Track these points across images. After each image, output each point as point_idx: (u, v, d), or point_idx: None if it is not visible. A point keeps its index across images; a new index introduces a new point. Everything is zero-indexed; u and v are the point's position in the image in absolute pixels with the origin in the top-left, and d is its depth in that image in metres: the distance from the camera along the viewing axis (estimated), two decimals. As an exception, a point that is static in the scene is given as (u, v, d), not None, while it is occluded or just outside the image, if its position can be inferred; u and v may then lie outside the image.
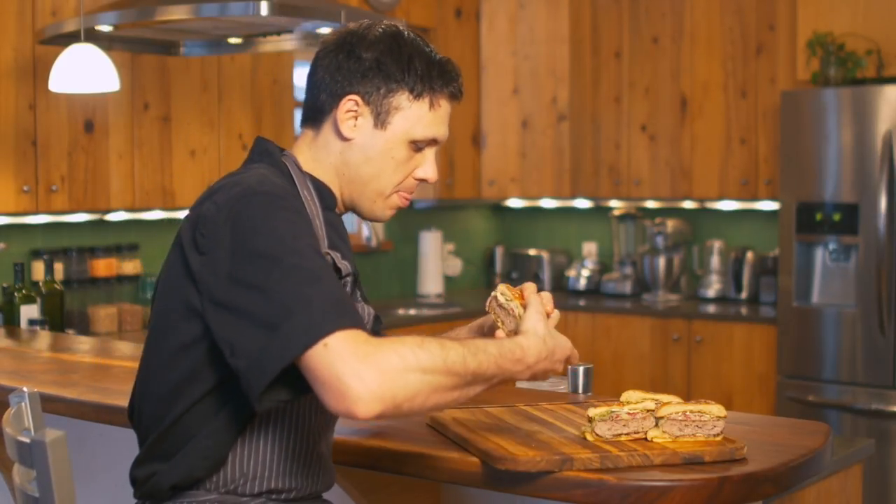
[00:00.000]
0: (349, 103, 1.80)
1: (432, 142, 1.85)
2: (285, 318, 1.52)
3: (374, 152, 1.81)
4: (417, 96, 1.81)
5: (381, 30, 1.83)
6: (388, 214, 1.88)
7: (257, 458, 1.76)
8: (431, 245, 5.76)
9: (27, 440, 1.67)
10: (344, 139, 1.81)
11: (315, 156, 1.85)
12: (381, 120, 1.80)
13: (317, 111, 1.84)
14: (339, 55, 1.81)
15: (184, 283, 1.69)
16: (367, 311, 1.87)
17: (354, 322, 1.53)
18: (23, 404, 1.70)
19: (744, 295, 5.39)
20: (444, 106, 1.84)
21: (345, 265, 1.80)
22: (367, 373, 1.47)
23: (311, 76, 1.86)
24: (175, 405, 1.73)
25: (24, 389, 1.71)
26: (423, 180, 1.87)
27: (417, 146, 1.83)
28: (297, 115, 5.52)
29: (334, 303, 1.54)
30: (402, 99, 1.80)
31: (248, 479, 1.76)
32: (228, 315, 1.59)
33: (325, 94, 1.82)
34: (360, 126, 1.81)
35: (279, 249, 1.58)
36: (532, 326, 1.76)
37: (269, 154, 1.85)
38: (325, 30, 3.66)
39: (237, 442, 1.74)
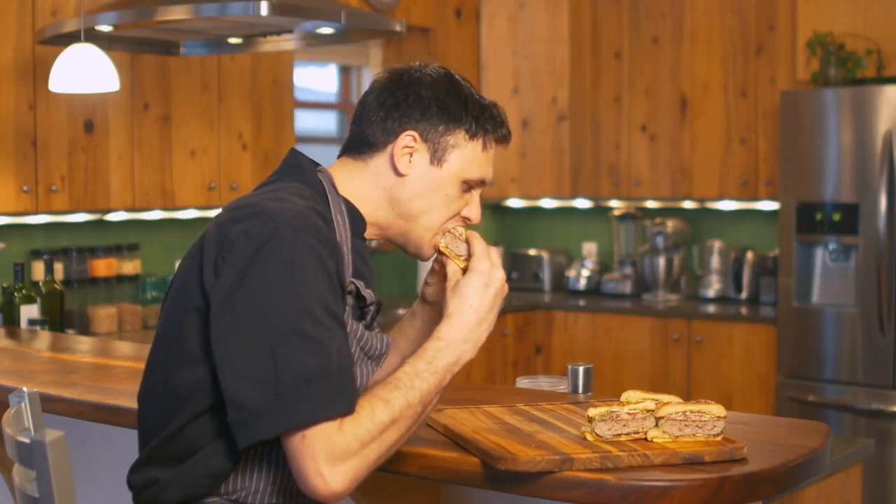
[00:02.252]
0: (407, 139, 1.81)
1: (481, 183, 1.87)
2: (278, 392, 1.59)
3: (426, 189, 1.83)
4: (473, 136, 1.83)
5: (435, 71, 1.86)
6: (432, 252, 1.89)
7: (259, 474, 1.77)
8: (431, 245, 5.76)
9: (27, 440, 1.67)
10: (399, 174, 1.82)
11: (358, 184, 1.85)
12: (437, 157, 1.82)
13: (365, 143, 1.84)
14: (396, 92, 1.83)
15: (197, 297, 1.70)
16: (384, 342, 1.88)
17: (342, 406, 1.60)
18: (23, 404, 1.70)
19: (744, 295, 5.39)
20: (494, 149, 1.88)
21: (369, 294, 1.81)
22: (330, 474, 1.58)
23: (362, 110, 1.86)
24: (177, 415, 1.74)
25: (24, 390, 1.71)
26: (466, 219, 1.89)
27: (468, 186, 1.85)
28: (298, 115, 5.50)
29: (330, 383, 1.60)
30: (460, 138, 1.83)
31: (251, 493, 1.78)
32: (227, 361, 1.63)
33: (379, 130, 1.83)
34: (416, 162, 1.82)
35: (293, 312, 1.61)
36: (457, 301, 1.77)
37: (301, 170, 1.85)
38: (325, 30, 3.67)
39: (240, 459, 1.74)
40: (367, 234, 1.88)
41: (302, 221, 1.66)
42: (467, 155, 1.83)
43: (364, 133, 1.84)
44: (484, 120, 1.84)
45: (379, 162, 1.84)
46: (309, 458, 1.58)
